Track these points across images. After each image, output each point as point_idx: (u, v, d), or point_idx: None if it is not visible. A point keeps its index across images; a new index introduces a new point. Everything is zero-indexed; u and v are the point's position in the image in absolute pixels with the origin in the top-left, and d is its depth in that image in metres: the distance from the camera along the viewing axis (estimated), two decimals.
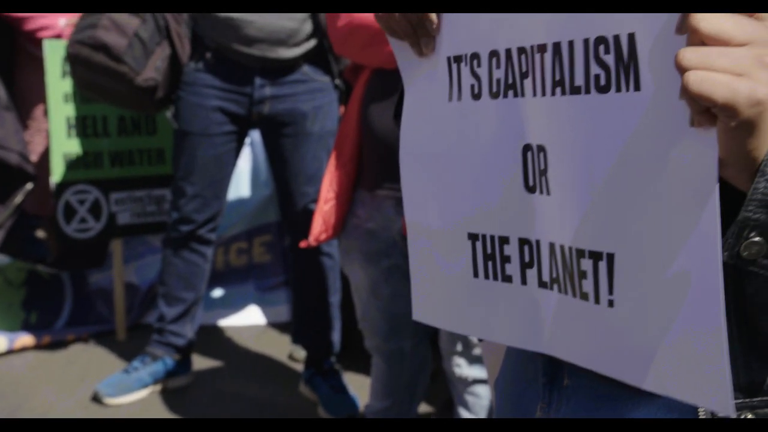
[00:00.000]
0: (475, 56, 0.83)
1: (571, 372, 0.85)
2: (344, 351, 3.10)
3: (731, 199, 0.65)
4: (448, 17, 0.86)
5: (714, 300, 0.64)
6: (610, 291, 0.72)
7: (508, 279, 0.84)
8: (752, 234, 0.64)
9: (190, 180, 2.82)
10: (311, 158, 2.83)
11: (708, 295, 0.65)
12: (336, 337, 2.98)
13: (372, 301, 2.17)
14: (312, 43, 2.76)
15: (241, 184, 3.56)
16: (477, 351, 2.13)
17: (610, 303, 0.73)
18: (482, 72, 0.83)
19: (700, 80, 0.59)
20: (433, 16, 0.85)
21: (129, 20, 2.64)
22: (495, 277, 0.86)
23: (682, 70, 0.60)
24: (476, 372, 2.15)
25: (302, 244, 2.20)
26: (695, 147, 0.64)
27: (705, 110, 0.61)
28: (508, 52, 0.80)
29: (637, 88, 0.68)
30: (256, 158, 3.57)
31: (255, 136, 3.37)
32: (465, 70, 0.85)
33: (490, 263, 0.86)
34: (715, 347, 0.64)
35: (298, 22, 2.71)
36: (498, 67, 0.81)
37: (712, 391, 0.65)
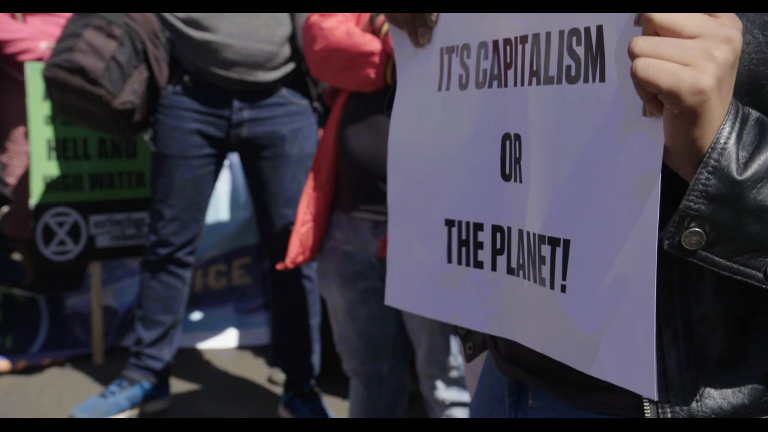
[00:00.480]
0: (466, 47, 0.85)
1: (536, 393, 0.86)
2: (324, 374, 3.09)
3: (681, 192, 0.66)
4: None
5: (648, 289, 0.65)
6: (564, 276, 0.74)
7: (479, 265, 0.86)
8: (692, 224, 0.65)
9: (169, 203, 2.82)
10: (290, 181, 2.83)
11: (643, 284, 0.66)
12: (315, 359, 2.97)
13: (349, 324, 2.16)
14: (290, 66, 2.77)
15: (220, 207, 3.55)
16: (454, 374, 2.13)
17: (563, 288, 0.74)
18: (471, 63, 0.85)
19: (647, 66, 0.61)
20: None
21: (106, 43, 2.64)
22: (467, 263, 0.87)
23: (633, 57, 0.62)
24: (453, 395, 2.14)
25: (279, 266, 2.20)
26: (645, 136, 0.66)
27: (653, 98, 0.63)
28: (495, 43, 0.82)
29: (602, 79, 0.70)
30: (235, 181, 3.56)
31: (234, 158, 3.37)
32: (455, 60, 0.87)
33: (464, 249, 0.87)
34: (646, 332, 0.66)
35: (276, 46, 2.72)
36: (485, 57, 0.83)
37: (641, 376, 0.67)
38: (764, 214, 0.64)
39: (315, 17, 2.07)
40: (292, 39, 2.75)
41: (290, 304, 2.94)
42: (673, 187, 0.66)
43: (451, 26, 0.88)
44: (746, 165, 0.64)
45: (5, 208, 2.97)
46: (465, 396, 2.13)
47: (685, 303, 0.72)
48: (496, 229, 0.84)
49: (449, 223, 0.89)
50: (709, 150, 0.64)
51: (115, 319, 3.50)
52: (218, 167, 2.89)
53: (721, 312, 0.72)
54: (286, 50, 2.75)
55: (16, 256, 3.76)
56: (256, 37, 2.69)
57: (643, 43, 0.62)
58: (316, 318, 2.99)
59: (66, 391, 3.08)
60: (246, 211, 3.54)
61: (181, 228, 2.85)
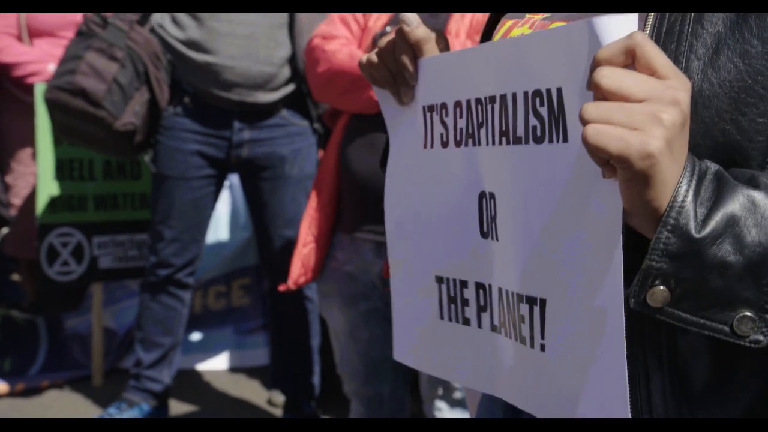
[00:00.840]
0: (444, 106, 0.87)
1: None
2: (324, 396, 3.07)
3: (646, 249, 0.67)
4: (424, 67, 0.89)
5: (618, 347, 0.66)
6: (542, 335, 0.75)
7: (467, 322, 0.87)
8: (656, 282, 0.65)
9: (169, 224, 2.82)
10: (290, 201, 2.84)
11: (614, 342, 0.67)
12: (315, 381, 2.96)
13: (350, 345, 2.16)
14: (290, 87, 2.79)
15: (219, 228, 3.55)
16: (458, 395, 2.12)
17: (542, 347, 0.75)
18: (449, 121, 0.87)
19: (596, 133, 0.62)
20: (410, 66, 0.88)
21: (108, 65, 2.65)
22: (456, 320, 0.88)
23: (583, 123, 0.63)
24: (457, 415, 2.14)
25: (281, 288, 2.19)
26: (606, 197, 0.67)
27: (607, 162, 0.64)
28: (468, 102, 0.83)
29: (565, 139, 0.71)
30: (235, 201, 3.57)
31: (234, 179, 3.38)
32: (436, 118, 0.88)
33: (452, 306, 0.89)
34: (620, 390, 0.67)
35: (276, 67, 2.74)
36: (461, 116, 0.85)
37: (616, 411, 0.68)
38: (726, 269, 0.65)
39: (317, 40, 2.08)
40: (292, 60, 2.76)
41: (290, 325, 2.93)
42: (639, 244, 0.67)
43: (429, 85, 0.89)
44: (704, 222, 0.65)
45: (5, 230, 2.97)
46: (468, 417, 2.13)
47: (671, 330, 0.73)
48: (479, 286, 0.85)
49: (439, 280, 0.90)
50: (668, 209, 0.64)
51: (114, 340, 3.49)
52: (218, 188, 2.90)
53: (706, 339, 0.72)
54: (286, 71, 2.76)
55: (16, 277, 3.75)
56: (256, 58, 2.70)
57: (592, 110, 0.63)
58: (316, 339, 2.98)
59: (64, 413, 3.06)
60: (246, 231, 3.54)
61: (181, 249, 2.85)
